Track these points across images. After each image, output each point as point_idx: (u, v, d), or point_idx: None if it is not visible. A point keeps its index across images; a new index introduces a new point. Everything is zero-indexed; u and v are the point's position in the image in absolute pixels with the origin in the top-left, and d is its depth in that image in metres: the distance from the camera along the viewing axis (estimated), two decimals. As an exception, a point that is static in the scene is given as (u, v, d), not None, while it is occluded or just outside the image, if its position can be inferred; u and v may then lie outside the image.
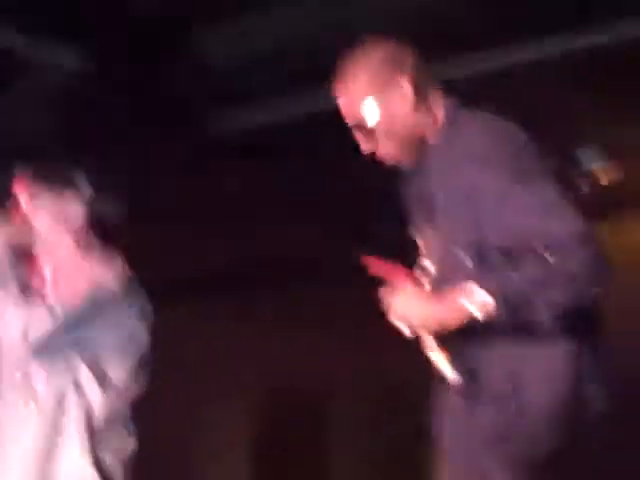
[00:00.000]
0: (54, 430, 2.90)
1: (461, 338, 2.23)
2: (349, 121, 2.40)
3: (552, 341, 2.21)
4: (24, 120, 4.08)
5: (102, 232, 3.04)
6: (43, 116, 4.08)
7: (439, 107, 2.39)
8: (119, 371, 2.92)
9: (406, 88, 2.35)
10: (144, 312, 2.96)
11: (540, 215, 2.12)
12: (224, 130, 4.51)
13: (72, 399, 2.91)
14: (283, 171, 4.79)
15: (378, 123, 2.36)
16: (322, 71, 2.54)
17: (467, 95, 2.41)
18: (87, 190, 2.96)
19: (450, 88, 2.45)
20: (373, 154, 2.40)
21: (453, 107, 2.40)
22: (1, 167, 3.01)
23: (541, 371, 2.22)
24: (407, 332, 2.27)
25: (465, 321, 2.14)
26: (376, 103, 2.35)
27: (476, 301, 2.11)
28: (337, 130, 2.48)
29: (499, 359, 2.24)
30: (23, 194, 2.91)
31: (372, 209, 4.82)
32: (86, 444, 2.92)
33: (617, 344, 2.43)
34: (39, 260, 3.00)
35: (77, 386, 2.91)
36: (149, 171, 4.46)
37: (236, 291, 6.24)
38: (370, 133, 2.37)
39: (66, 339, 2.89)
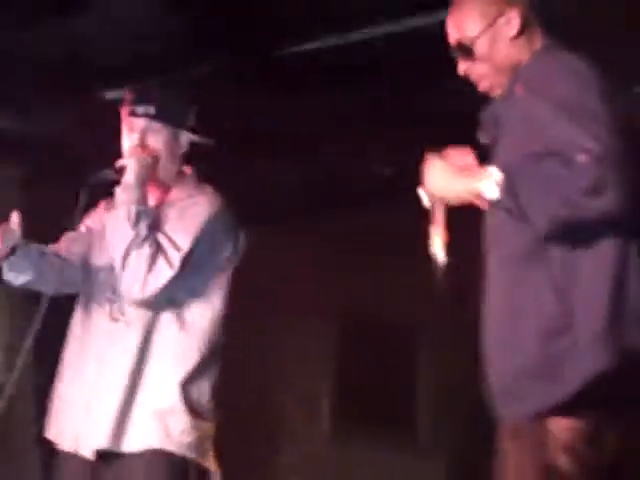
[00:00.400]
0: (145, 346, 3.11)
1: None
2: (452, 40, 2.60)
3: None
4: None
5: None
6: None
7: (537, 43, 2.57)
8: (214, 300, 3.20)
9: (513, 19, 2.54)
10: (239, 241, 3.27)
11: (575, 125, 2.24)
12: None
13: (167, 316, 3.14)
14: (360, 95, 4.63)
15: (480, 44, 2.55)
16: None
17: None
18: (192, 119, 3.31)
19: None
20: (467, 76, 2.60)
21: (548, 44, 2.57)
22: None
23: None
24: (426, 201, 2.45)
25: (481, 201, 2.32)
26: (482, 25, 2.56)
27: (490, 182, 2.24)
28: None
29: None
30: (140, 126, 3.21)
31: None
32: (175, 368, 3.12)
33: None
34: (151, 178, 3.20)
35: (173, 305, 3.14)
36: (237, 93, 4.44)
37: (315, 217, 6.10)
38: (470, 54, 2.57)
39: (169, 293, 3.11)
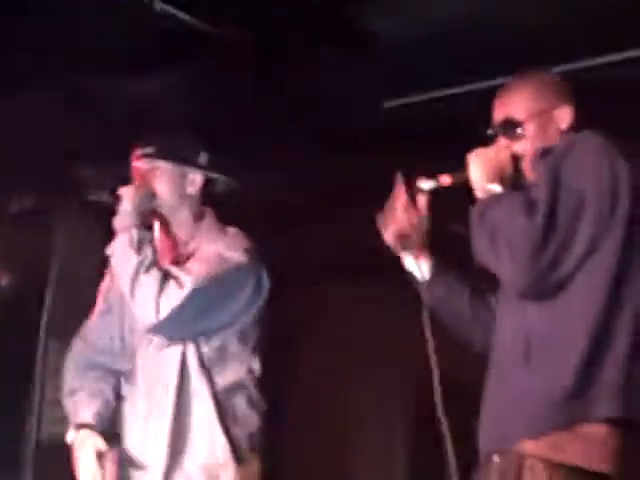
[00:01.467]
0: (179, 392, 2.98)
1: None
2: (498, 117, 2.68)
3: None
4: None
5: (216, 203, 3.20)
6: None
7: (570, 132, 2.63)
8: (237, 343, 3.05)
9: (564, 114, 2.64)
10: (262, 284, 3.07)
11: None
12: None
13: (194, 366, 3.01)
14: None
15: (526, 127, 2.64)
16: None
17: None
18: (204, 161, 3.13)
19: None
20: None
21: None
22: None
23: None
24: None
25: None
26: (533, 112, 2.64)
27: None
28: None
29: None
30: (144, 163, 3.07)
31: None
32: (213, 408, 2.98)
33: None
34: (162, 229, 3.11)
35: (199, 355, 3.01)
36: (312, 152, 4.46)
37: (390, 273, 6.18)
38: (513, 132, 2.64)
39: (192, 324, 2.97)
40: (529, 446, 2.32)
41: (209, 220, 3.15)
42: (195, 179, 3.10)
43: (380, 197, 2.69)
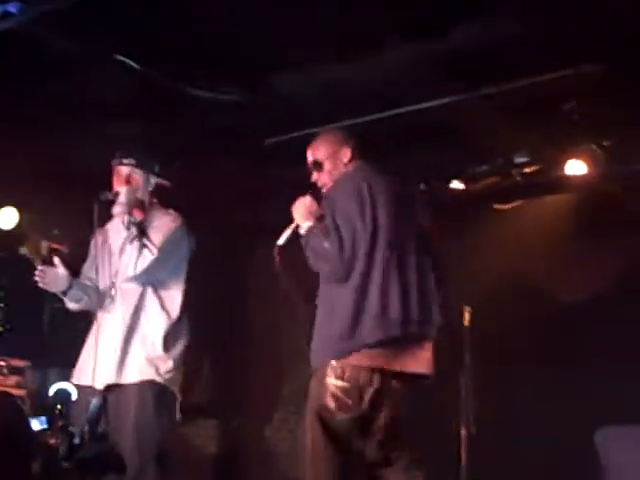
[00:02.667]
0: (136, 314, 4.62)
1: None
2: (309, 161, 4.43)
3: None
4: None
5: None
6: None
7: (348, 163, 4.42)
8: (180, 279, 4.76)
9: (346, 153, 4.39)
10: (190, 240, 4.80)
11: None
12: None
13: (150, 292, 4.67)
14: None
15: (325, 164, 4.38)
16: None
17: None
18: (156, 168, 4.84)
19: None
20: (315, 182, 4.39)
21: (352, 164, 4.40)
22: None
23: None
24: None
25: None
26: (327, 155, 4.39)
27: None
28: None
29: None
30: (125, 172, 4.74)
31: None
32: (158, 328, 4.65)
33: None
34: (135, 212, 4.66)
35: (155, 283, 4.69)
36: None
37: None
38: (319, 169, 4.40)
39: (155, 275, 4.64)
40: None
41: (157, 205, 4.88)
42: (152, 181, 4.82)
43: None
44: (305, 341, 4.14)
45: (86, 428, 4.03)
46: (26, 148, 5.72)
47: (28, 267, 4.86)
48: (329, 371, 4.01)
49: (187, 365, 4.76)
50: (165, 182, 4.81)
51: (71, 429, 3.95)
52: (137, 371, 4.56)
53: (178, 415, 4.64)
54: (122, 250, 4.62)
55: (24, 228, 6.12)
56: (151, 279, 4.63)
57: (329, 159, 4.35)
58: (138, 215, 4.66)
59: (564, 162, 6.13)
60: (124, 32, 4.70)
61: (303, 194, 4.28)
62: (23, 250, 5.44)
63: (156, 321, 4.63)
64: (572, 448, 5.56)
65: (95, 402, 4.31)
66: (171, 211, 4.82)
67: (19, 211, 6.29)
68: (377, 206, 4.07)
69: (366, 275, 4.01)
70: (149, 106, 5.51)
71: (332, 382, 4.00)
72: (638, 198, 6.05)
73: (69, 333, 5.37)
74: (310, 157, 4.39)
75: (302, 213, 4.22)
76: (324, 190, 4.31)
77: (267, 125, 5.85)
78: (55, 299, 4.82)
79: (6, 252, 6.26)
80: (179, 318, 4.69)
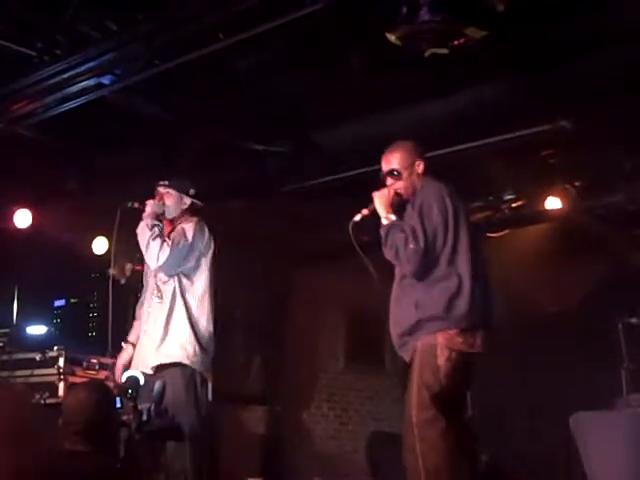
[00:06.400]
0: (170, 309, 5.30)
1: None
2: (386, 170, 4.70)
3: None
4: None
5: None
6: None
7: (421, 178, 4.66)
8: (203, 273, 5.41)
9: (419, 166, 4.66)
10: (209, 237, 5.43)
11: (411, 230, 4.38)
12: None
13: (178, 290, 5.34)
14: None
15: (403, 173, 4.62)
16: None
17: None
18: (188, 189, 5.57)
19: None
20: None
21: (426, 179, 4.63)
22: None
23: None
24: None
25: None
26: (405, 165, 4.64)
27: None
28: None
29: None
30: (162, 191, 5.51)
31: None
32: (188, 318, 5.30)
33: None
34: (165, 223, 5.45)
35: (180, 286, 5.36)
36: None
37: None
38: (398, 177, 4.64)
39: (177, 266, 5.33)
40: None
41: (187, 216, 5.52)
42: (186, 201, 5.53)
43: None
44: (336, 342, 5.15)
45: (152, 407, 4.43)
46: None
47: (115, 284, 5.87)
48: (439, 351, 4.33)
49: (240, 361, 6.00)
50: (198, 202, 5.53)
51: (140, 408, 4.33)
52: (171, 356, 5.21)
53: (210, 396, 5.26)
54: (147, 247, 5.24)
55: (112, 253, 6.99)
56: (176, 270, 5.31)
57: (407, 169, 4.61)
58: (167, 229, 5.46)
59: (544, 198, 7.52)
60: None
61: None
62: (111, 271, 6.19)
63: (186, 311, 5.26)
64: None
65: (158, 385, 4.63)
66: (194, 218, 5.49)
67: (107, 239, 7.50)
68: (459, 213, 4.45)
69: (453, 270, 4.38)
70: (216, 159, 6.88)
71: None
72: (602, 227, 7.59)
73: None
74: (387, 166, 4.64)
75: (384, 203, 4.52)
76: (403, 194, 4.62)
77: (309, 170, 7.12)
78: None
79: (99, 273, 7.63)
80: (204, 306, 5.31)
